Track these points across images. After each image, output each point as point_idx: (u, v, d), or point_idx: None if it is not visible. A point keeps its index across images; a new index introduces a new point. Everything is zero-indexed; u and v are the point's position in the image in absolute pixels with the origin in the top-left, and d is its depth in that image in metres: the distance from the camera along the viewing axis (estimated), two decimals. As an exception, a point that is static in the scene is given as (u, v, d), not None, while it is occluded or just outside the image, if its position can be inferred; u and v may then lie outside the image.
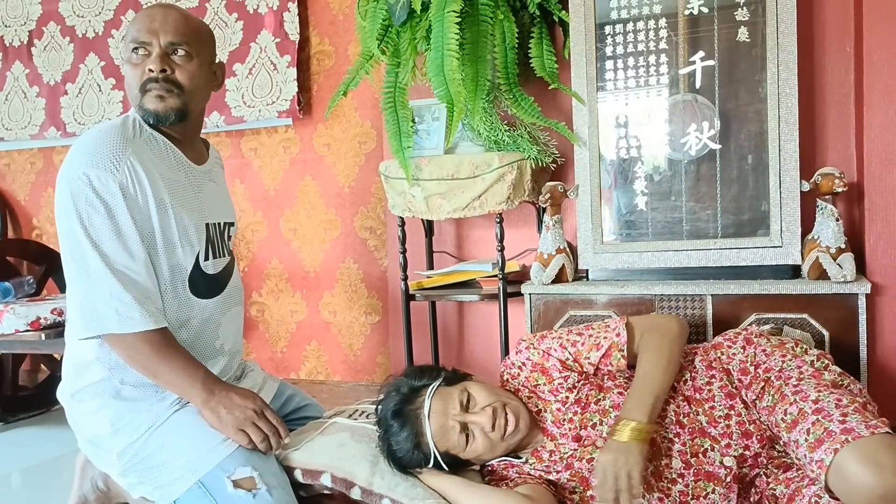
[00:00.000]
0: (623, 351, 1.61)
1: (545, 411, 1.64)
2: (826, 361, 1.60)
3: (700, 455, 1.53)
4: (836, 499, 1.31)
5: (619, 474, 1.40)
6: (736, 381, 1.60)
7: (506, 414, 1.52)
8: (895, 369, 1.97)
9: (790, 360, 1.57)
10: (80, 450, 1.65)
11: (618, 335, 1.61)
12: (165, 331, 1.49)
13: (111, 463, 1.54)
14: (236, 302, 1.75)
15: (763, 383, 1.55)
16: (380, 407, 1.59)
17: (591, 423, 1.58)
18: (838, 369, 1.58)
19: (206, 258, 1.62)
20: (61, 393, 1.61)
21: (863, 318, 1.90)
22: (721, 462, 1.51)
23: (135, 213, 1.47)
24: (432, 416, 1.51)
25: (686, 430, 1.55)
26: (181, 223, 1.56)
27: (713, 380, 1.60)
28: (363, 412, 1.78)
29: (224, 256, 1.70)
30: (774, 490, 1.49)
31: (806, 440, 1.36)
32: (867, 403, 1.45)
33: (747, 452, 1.53)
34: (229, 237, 1.75)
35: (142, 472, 1.50)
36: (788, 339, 1.67)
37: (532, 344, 1.68)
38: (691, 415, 1.56)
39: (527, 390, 1.67)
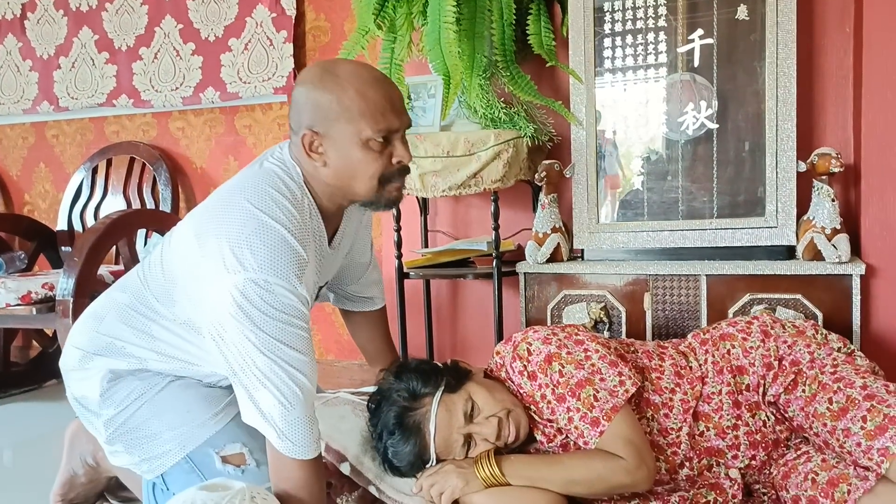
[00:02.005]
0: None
1: (537, 430, 1.57)
2: (852, 347, 1.57)
3: (705, 472, 1.51)
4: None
5: (444, 496, 1.41)
6: (753, 379, 1.53)
7: (509, 423, 1.48)
8: (888, 350, 1.97)
9: (816, 348, 1.52)
10: (70, 403, 1.59)
11: (585, 443, 1.43)
12: (317, 463, 1.35)
13: (98, 428, 1.53)
14: None
15: (793, 375, 1.49)
16: (379, 409, 1.53)
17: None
18: (862, 354, 1.55)
19: None
20: (73, 343, 1.53)
21: (857, 299, 1.90)
22: (726, 474, 1.50)
23: (307, 320, 1.35)
24: (437, 431, 1.46)
25: (695, 453, 1.53)
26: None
27: (723, 385, 1.55)
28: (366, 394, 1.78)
29: None
30: (770, 471, 1.49)
31: (862, 428, 1.32)
32: None
33: (754, 462, 1.51)
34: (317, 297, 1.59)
35: (129, 443, 1.49)
36: (805, 325, 1.62)
37: (526, 368, 1.53)
38: (702, 433, 1.53)
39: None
